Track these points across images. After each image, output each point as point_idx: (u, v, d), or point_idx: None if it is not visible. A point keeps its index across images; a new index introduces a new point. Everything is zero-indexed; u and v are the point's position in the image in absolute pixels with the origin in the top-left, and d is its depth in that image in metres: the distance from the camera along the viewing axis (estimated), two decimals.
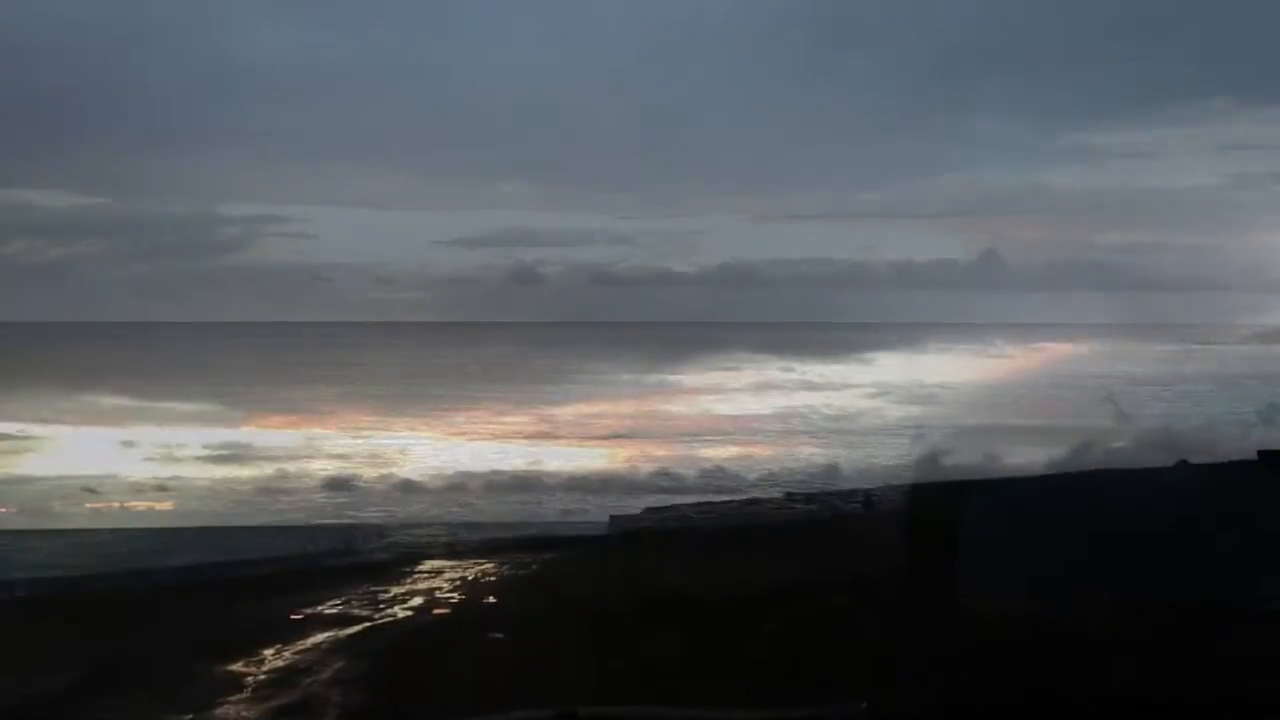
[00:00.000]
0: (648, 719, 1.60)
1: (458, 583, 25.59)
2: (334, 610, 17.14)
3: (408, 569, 33.37)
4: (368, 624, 14.75)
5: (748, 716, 1.81)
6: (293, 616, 16.05)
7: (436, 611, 16.85)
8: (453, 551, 44.42)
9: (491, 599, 19.27)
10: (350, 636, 13.05)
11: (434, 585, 24.67)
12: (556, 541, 47.94)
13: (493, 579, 28.12)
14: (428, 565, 36.84)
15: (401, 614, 16.58)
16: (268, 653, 11.15)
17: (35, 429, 58.10)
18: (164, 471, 49.33)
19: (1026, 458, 31.47)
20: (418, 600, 19.12)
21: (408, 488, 46.62)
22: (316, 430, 63.35)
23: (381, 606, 17.72)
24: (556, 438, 62.91)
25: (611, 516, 54.20)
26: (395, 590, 22.47)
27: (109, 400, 64.89)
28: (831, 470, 43.74)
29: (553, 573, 27.90)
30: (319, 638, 12.88)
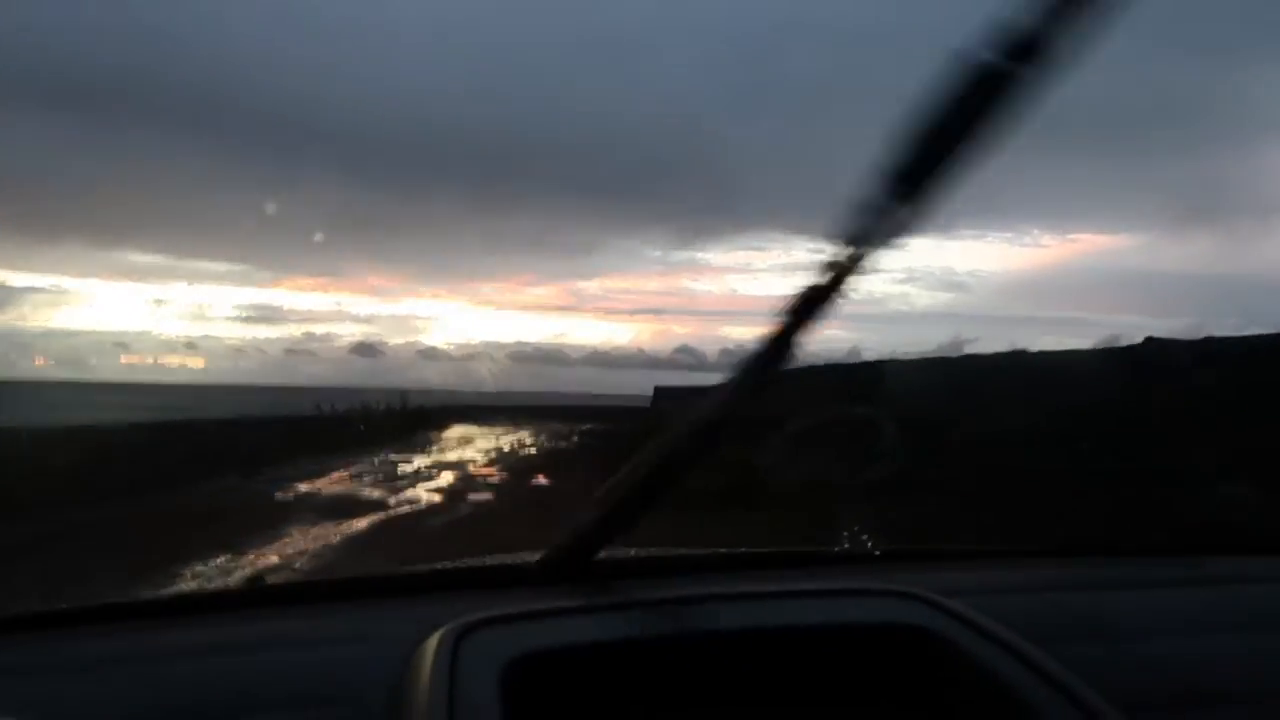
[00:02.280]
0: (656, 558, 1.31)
1: (492, 455, 21.44)
2: (335, 490, 12.85)
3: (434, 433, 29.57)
4: (377, 516, 10.41)
5: (751, 552, 1.30)
6: (278, 496, 11.77)
7: (474, 498, 12.43)
8: (481, 418, 40.68)
9: (542, 479, 14.92)
10: (345, 540, 8.73)
11: (463, 457, 20.53)
12: (600, 412, 43.97)
13: (532, 450, 24.07)
14: (457, 431, 33.00)
15: (425, 497, 12.22)
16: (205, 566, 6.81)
17: None
18: None
19: None
20: (445, 479, 14.79)
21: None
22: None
23: (400, 486, 13.40)
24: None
25: (656, 388, 50.37)
26: (419, 461, 18.32)
27: None
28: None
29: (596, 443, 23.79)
30: (299, 544, 8.60)
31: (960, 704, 0.98)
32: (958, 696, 0.99)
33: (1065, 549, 1.47)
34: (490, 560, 1.33)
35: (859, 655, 1.02)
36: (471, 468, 17.22)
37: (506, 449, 23.58)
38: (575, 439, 28.84)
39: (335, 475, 14.60)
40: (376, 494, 12.39)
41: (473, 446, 24.19)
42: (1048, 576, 1.32)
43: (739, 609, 1.06)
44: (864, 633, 1.03)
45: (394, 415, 30.75)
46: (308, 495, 12.04)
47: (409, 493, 12.63)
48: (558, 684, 0.94)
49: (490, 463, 18.69)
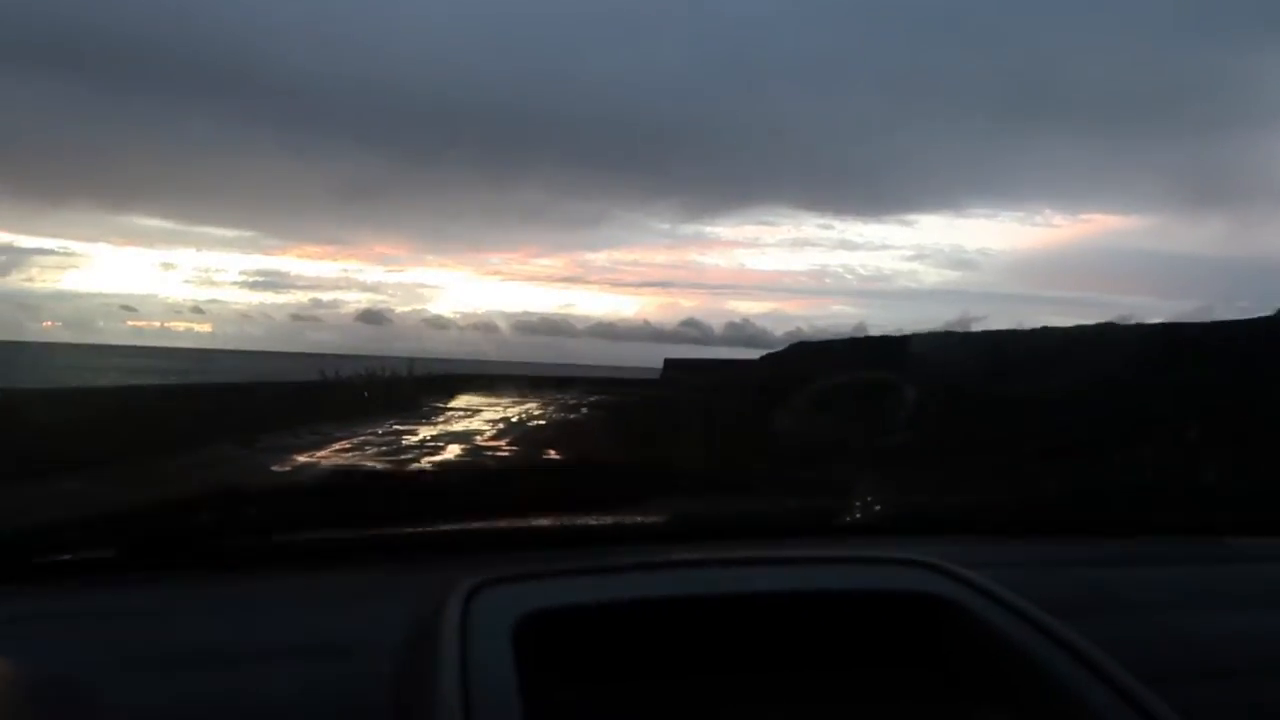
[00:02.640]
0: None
1: (500, 426, 20.82)
2: (335, 463, 12.22)
3: (440, 405, 28.94)
4: None
5: (757, 508, 1.45)
6: (275, 469, 11.14)
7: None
8: (487, 387, 40.04)
9: (552, 454, 14.28)
10: None
11: (470, 428, 19.90)
12: (612, 383, 43.34)
13: (541, 422, 23.43)
14: (463, 400, 32.37)
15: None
16: None
17: None
18: None
19: None
20: (452, 452, 14.15)
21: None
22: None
23: (405, 460, 12.76)
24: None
25: (666, 360, 49.76)
26: (425, 432, 17.68)
27: None
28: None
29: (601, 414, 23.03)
30: None
31: (976, 673, 0.97)
32: (974, 665, 0.98)
33: (1085, 526, 1.46)
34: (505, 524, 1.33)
35: (873, 622, 1.02)
36: (479, 439, 16.59)
37: (514, 419, 22.96)
38: (584, 410, 28.22)
39: (337, 445, 13.97)
40: (379, 469, 11.74)
41: (480, 417, 23.58)
42: (1065, 551, 1.32)
43: (753, 573, 1.05)
44: (880, 600, 1.03)
45: (400, 383, 30.09)
46: (305, 468, 11.41)
47: (413, 468, 11.97)
48: (574, 643, 0.94)
49: (498, 434, 18.06)
